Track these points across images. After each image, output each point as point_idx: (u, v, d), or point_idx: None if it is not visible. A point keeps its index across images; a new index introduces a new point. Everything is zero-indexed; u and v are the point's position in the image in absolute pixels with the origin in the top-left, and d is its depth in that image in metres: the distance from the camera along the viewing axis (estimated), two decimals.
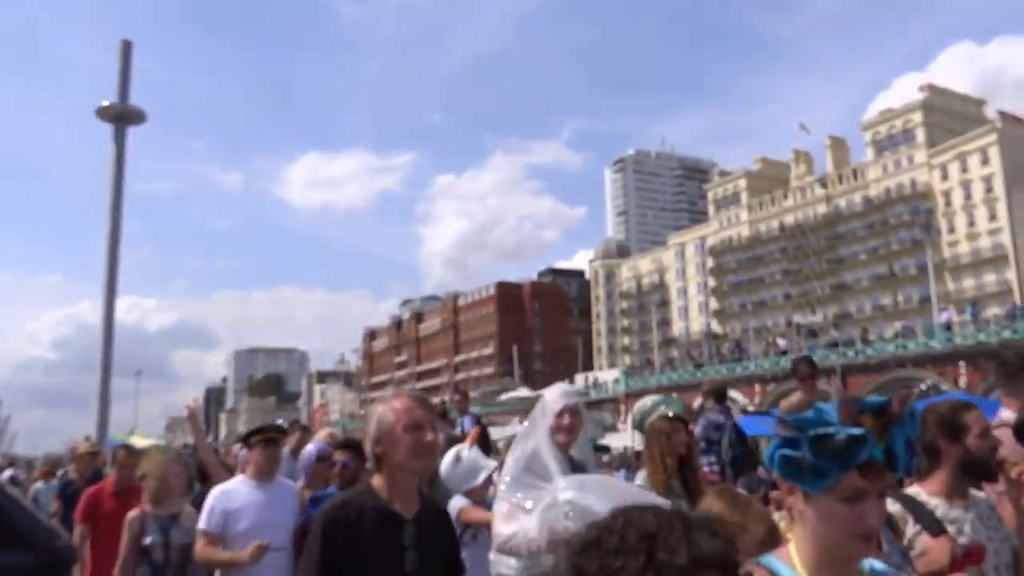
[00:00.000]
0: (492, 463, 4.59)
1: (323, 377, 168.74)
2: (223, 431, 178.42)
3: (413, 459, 2.44)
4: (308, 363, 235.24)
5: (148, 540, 4.90)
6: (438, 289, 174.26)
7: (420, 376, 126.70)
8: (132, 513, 5.05)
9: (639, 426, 4.34)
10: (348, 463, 4.57)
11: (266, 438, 4.40)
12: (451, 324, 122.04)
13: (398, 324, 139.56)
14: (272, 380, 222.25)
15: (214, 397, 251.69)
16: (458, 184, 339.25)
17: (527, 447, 3.57)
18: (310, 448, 5.49)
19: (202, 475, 7.27)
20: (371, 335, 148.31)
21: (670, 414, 4.13)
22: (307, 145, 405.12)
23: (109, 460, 7.68)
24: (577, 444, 3.67)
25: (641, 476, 4.16)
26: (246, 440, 4.44)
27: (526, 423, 3.90)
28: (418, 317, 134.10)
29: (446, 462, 4.60)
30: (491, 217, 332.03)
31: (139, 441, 7.56)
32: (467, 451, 4.74)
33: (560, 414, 3.59)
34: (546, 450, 3.52)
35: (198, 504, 4.96)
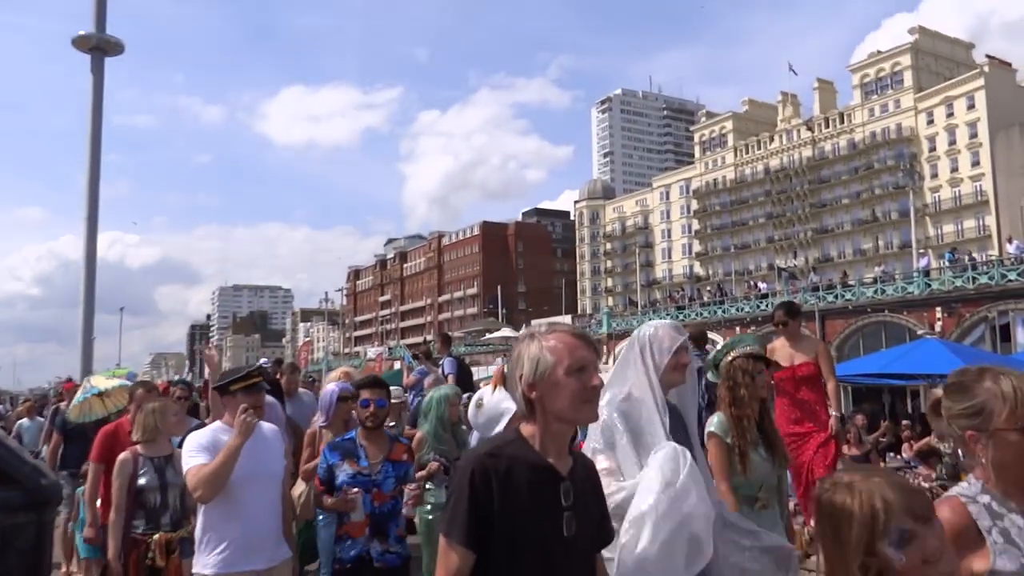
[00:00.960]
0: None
1: (307, 315, 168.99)
2: (207, 368, 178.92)
3: (577, 408, 2.09)
4: (292, 301, 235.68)
5: (143, 481, 4.62)
6: (422, 228, 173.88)
7: (404, 315, 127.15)
8: (123, 455, 4.73)
9: (716, 364, 4.15)
10: (383, 402, 4.28)
11: (248, 385, 3.90)
12: (435, 264, 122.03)
13: (382, 263, 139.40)
14: (256, 317, 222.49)
15: (198, 334, 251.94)
16: (443, 121, 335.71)
17: (623, 391, 3.20)
18: (331, 387, 5.31)
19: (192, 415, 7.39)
20: (355, 274, 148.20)
21: (751, 352, 3.94)
22: (290, 79, 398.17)
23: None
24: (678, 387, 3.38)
25: (717, 419, 3.89)
26: (226, 388, 3.90)
27: (615, 362, 3.44)
28: (402, 256, 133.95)
29: (471, 410, 4.50)
30: (476, 156, 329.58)
31: (102, 382, 7.28)
32: (490, 393, 4.45)
33: (677, 351, 3.30)
34: (651, 401, 3.17)
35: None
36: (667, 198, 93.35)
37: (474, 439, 5.57)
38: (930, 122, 67.17)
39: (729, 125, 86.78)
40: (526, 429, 2.14)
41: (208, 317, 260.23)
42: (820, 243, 76.12)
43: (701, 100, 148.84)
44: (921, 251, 48.78)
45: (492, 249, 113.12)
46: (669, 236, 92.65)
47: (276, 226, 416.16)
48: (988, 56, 68.47)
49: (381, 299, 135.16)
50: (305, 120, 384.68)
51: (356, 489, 3.99)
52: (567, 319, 74.02)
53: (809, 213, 76.91)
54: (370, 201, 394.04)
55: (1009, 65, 67.72)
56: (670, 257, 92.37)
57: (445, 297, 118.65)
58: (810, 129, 77.90)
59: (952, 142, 65.31)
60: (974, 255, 50.80)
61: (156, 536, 4.53)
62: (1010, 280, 33.71)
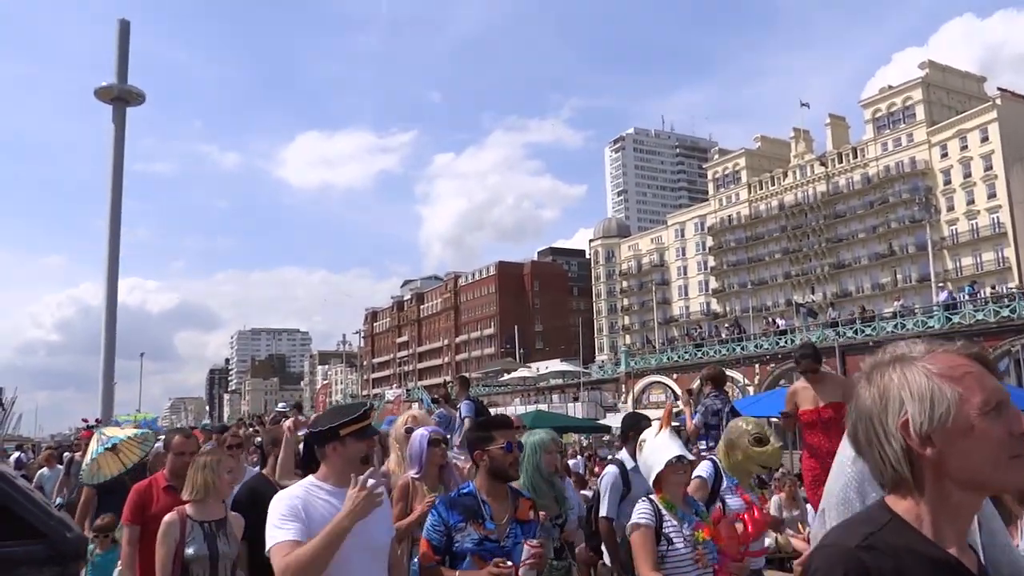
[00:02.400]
0: (680, 451, 3.82)
1: (325, 358, 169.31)
2: (227, 412, 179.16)
3: (1005, 467, 1.31)
4: (310, 344, 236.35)
5: (191, 551, 4.00)
6: (438, 269, 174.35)
7: (421, 356, 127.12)
8: (170, 517, 4.13)
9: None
10: (510, 446, 3.51)
11: (363, 427, 3.04)
12: (452, 304, 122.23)
13: (399, 304, 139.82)
14: (275, 361, 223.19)
15: (217, 378, 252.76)
16: (457, 163, 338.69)
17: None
18: (421, 432, 4.60)
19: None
20: (372, 316, 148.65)
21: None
22: (305, 124, 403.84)
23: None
24: None
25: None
26: (333, 432, 2.97)
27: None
28: (419, 297, 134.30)
29: (638, 451, 4.09)
30: (490, 196, 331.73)
31: (116, 431, 6.84)
32: (653, 435, 3.91)
33: None
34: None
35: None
36: (682, 235, 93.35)
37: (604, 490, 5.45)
38: (944, 155, 67.06)
39: (742, 162, 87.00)
40: (901, 504, 1.38)
41: (227, 361, 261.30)
42: (837, 278, 75.67)
43: (714, 137, 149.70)
44: (940, 284, 48.41)
45: (508, 289, 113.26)
46: (685, 273, 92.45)
47: (293, 269, 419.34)
48: (1000, 89, 68.53)
49: (398, 340, 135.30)
50: (321, 165, 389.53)
51: (509, 564, 3.20)
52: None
53: (825, 248, 76.60)
54: (386, 243, 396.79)
55: (1022, 97, 67.69)
56: (687, 294, 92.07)
57: (462, 337, 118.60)
58: (823, 164, 77.94)
59: (967, 175, 65.10)
60: (995, 287, 50.33)
61: None
62: None
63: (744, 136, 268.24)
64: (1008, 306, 35.24)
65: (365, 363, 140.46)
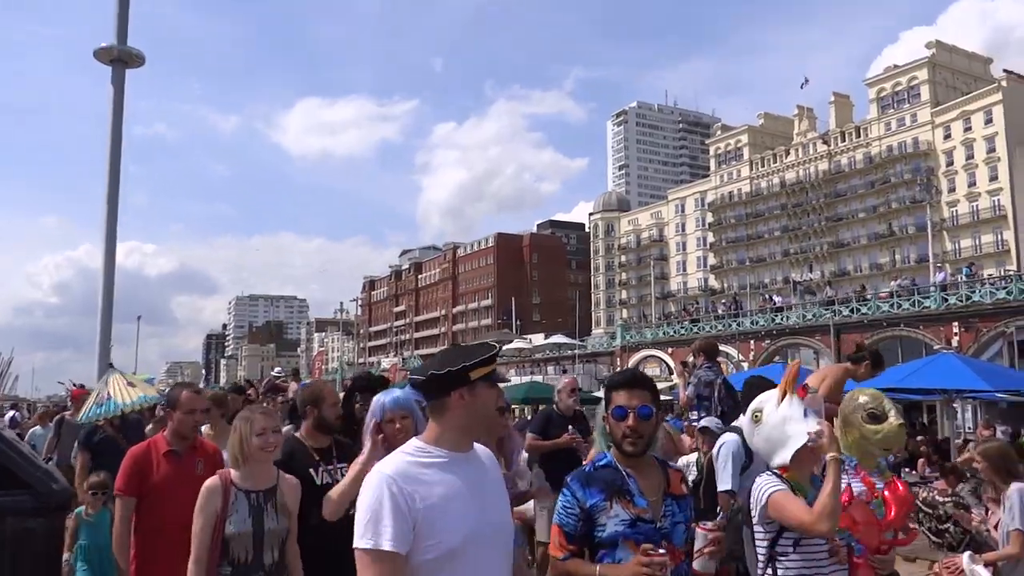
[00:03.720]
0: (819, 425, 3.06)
1: (322, 325, 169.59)
2: (223, 377, 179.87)
3: None
4: (307, 311, 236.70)
5: (232, 528, 3.36)
6: (436, 239, 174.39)
7: (418, 326, 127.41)
8: (211, 483, 3.45)
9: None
10: (647, 409, 2.80)
11: (491, 371, 2.34)
12: (450, 275, 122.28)
13: (397, 274, 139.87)
14: (272, 327, 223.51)
15: (214, 343, 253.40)
16: (458, 133, 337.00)
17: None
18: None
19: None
20: (370, 284, 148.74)
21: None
22: (306, 90, 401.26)
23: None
24: None
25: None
26: (461, 375, 2.25)
27: None
28: (417, 267, 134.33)
29: (745, 423, 3.30)
30: (491, 167, 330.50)
31: (122, 394, 6.19)
32: (775, 405, 3.15)
33: None
34: None
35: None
36: (682, 211, 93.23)
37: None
38: (947, 136, 66.82)
39: (745, 138, 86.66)
40: None
41: (224, 327, 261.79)
42: (836, 257, 75.71)
43: (716, 113, 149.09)
44: (938, 265, 48.45)
45: (507, 260, 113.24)
46: (684, 249, 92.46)
47: (291, 236, 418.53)
48: (1006, 71, 68.12)
49: (396, 310, 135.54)
50: (321, 131, 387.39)
51: (662, 551, 2.59)
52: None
53: (825, 227, 76.57)
54: (385, 212, 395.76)
55: None
56: (685, 270, 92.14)
57: (459, 308, 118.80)
58: (826, 143, 77.66)
59: (970, 156, 64.93)
60: (992, 270, 50.41)
61: None
62: None
63: (748, 113, 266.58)
64: (1004, 288, 35.36)
65: (362, 332, 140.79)
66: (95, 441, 6.43)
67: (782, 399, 3.14)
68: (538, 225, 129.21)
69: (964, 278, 40.41)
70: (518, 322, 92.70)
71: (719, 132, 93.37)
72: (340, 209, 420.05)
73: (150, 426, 7.06)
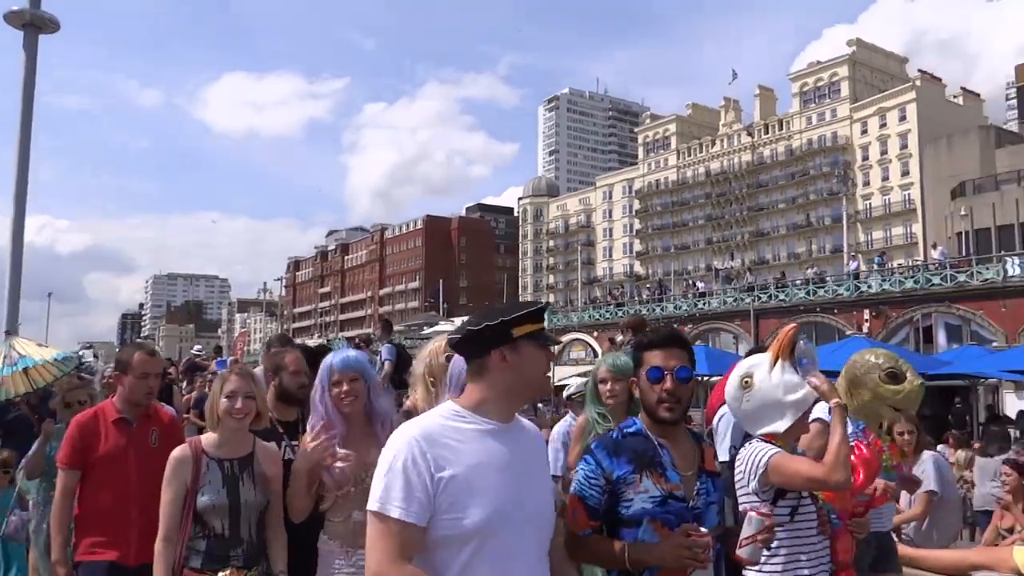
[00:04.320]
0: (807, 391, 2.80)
1: (244, 306, 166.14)
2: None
3: None
4: (229, 291, 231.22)
5: (205, 498, 3.09)
6: (364, 221, 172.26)
7: (344, 308, 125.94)
8: (180, 452, 3.18)
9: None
10: (686, 371, 2.54)
11: (542, 329, 2.12)
12: (377, 257, 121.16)
13: (323, 255, 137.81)
14: (191, 307, 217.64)
15: (130, 323, 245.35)
16: (388, 114, 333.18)
17: None
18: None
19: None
20: (295, 265, 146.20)
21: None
22: (232, 64, 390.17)
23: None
24: None
25: None
26: (497, 333, 2.02)
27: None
28: (344, 248, 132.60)
29: (730, 388, 2.91)
30: (421, 150, 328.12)
31: (33, 350, 5.75)
32: (766, 369, 2.86)
33: None
34: None
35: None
36: (610, 197, 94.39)
37: (723, 429, 4.24)
38: (864, 132, 69.32)
39: (673, 128, 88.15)
40: None
41: (141, 306, 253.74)
42: (756, 246, 77.90)
43: (646, 102, 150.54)
44: (852, 255, 50.35)
45: (435, 243, 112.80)
46: (611, 235, 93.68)
47: (214, 215, 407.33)
48: (920, 71, 70.99)
49: (321, 291, 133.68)
50: (247, 108, 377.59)
51: (704, 530, 2.33)
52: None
53: (747, 216, 78.64)
54: (312, 192, 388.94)
55: (939, 80, 70.32)
56: (611, 256, 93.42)
57: (386, 290, 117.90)
58: (750, 134, 79.65)
59: (884, 152, 67.54)
60: (901, 261, 52.67)
61: (225, 572, 3.07)
62: (934, 284, 35.09)
63: (676, 103, 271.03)
64: (912, 277, 37.02)
65: (286, 313, 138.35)
66: (8, 419, 6.17)
67: (774, 365, 2.86)
68: (467, 208, 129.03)
69: (876, 267, 42.13)
70: (445, 305, 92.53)
71: (648, 121, 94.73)
72: (266, 189, 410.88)
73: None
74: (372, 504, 1.93)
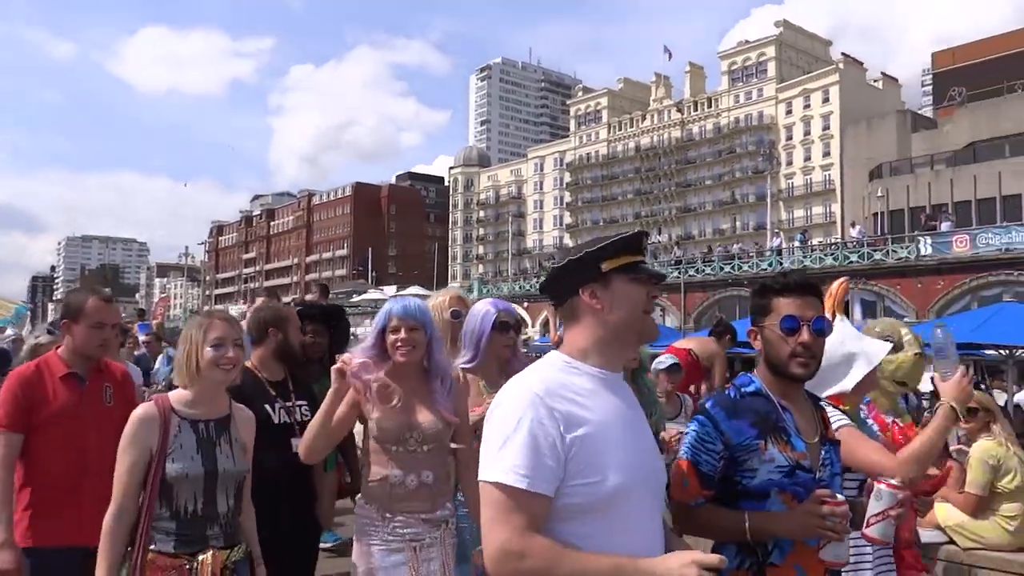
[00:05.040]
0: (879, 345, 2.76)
1: (164, 271, 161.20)
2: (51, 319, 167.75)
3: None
4: (148, 255, 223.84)
5: (177, 466, 2.58)
6: (290, 186, 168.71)
7: (269, 274, 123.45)
8: (144, 411, 2.66)
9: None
10: (822, 323, 2.23)
11: (635, 262, 1.82)
12: (304, 223, 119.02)
13: (248, 220, 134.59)
14: (107, 271, 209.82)
15: (41, 286, 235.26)
16: (317, 76, 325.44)
17: None
18: (483, 309, 3.37)
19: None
20: (218, 229, 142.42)
21: None
22: (151, 18, 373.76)
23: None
24: None
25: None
26: (586, 267, 1.78)
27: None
28: (270, 214, 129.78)
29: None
30: (350, 115, 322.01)
31: None
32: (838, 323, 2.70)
33: None
34: None
35: None
36: (541, 169, 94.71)
37: None
38: (788, 112, 71.17)
39: (604, 102, 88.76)
40: None
41: (53, 269, 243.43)
42: (683, 221, 79.45)
43: (578, 75, 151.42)
44: (776, 232, 51.90)
45: (364, 211, 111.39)
46: (541, 207, 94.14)
47: (132, 175, 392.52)
48: (844, 54, 73.14)
49: (245, 256, 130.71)
50: (168, 64, 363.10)
51: (841, 497, 2.07)
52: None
53: (675, 192, 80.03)
54: (235, 155, 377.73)
55: (861, 64, 72.60)
56: (541, 228, 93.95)
57: (313, 257, 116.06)
58: (680, 111, 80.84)
59: (807, 133, 69.54)
60: (820, 239, 54.53)
61: (205, 556, 2.58)
62: (851, 262, 36.54)
63: (608, 77, 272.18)
64: (831, 254, 38.44)
65: (208, 278, 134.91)
66: None
67: (833, 319, 2.57)
68: (397, 176, 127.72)
69: (798, 244, 43.60)
70: (374, 273, 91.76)
71: (580, 94, 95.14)
72: (187, 149, 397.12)
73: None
74: (490, 473, 1.63)
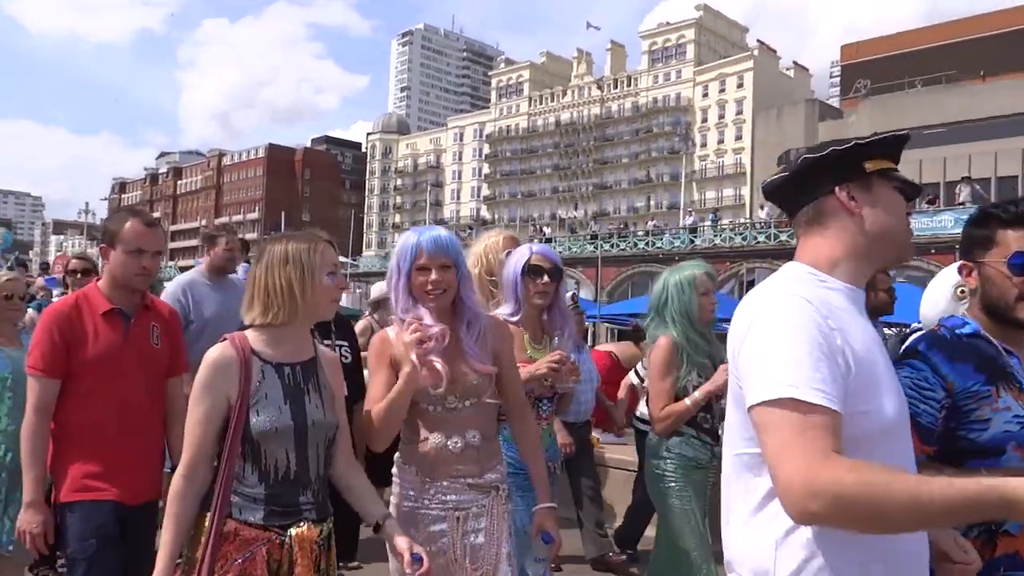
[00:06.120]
0: None
1: (61, 227, 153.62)
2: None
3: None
4: (43, 210, 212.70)
5: (262, 418, 2.14)
6: (200, 145, 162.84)
7: (175, 236, 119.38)
8: (220, 351, 2.19)
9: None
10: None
11: (896, 168, 1.63)
12: (214, 184, 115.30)
13: (153, 178, 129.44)
14: None
15: None
16: (231, 31, 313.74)
17: None
18: (520, 252, 3.09)
19: None
20: (121, 187, 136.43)
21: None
22: None
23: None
24: None
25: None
26: (848, 160, 1.53)
27: None
28: (177, 172, 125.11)
29: (940, 301, 2.51)
30: (265, 74, 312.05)
31: None
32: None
33: None
34: None
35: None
36: (461, 140, 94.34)
37: None
38: (705, 95, 72.93)
39: (526, 75, 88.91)
40: None
41: None
42: (599, 198, 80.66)
43: (501, 47, 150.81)
44: (689, 211, 53.36)
45: (277, 174, 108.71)
46: (459, 178, 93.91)
47: (28, 124, 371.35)
48: (759, 41, 75.29)
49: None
50: (68, 8, 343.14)
51: None
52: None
53: (592, 168, 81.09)
54: (140, 109, 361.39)
55: (775, 52, 74.91)
56: (459, 198, 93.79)
57: (223, 220, 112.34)
58: (600, 88, 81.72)
59: (721, 116, 71.47)
60: (728, 220, 56.37)
61: (300, 530, 2.14)
62: (759, 242, 38.04)
63: (531, 50, 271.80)
64: (741, 234, 39.90)
65: None
66: None
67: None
68: (313, 140, 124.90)
69: (710, 223, 45.03)
70: None
71: (502, 65, 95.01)
72: (89, 100, 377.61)
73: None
74: (776, 390, 1.34)
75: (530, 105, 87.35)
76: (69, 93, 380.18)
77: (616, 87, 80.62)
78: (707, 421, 3.48)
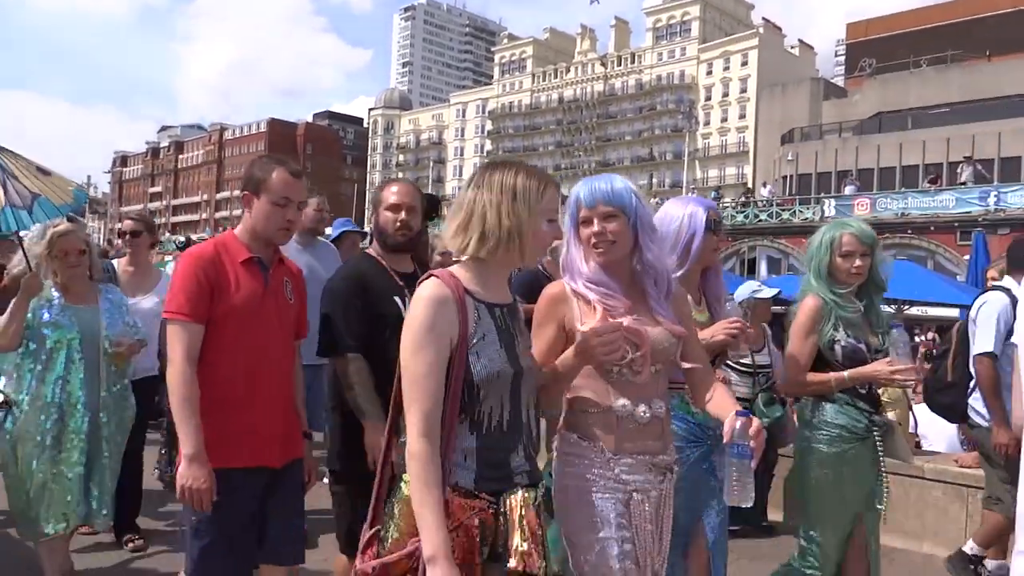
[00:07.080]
0: None
1: None
2: None
3: None
4: None
5: (485, 363, 1.89)
6: (200, 119, 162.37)
7: (176, 210, 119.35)
8: (438, 290, 1.89)
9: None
10: None
11: None
12: (215, 158, 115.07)
13: (155, 151, 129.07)
14: None
15: None
16: (230, 4, 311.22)
17: None
18: (693, 206, 2.86)
19: None
20: (122, 160, 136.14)
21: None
22: None
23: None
24: None
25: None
26: None
27: None
28: (178, 146, 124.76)
29: None
30: (267, 48, 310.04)
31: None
32: None
33: None
34: None
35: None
36: (463, 116, 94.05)
37: None
38: (709, 73, 72.61)
39: (529, 51, 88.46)
40: None
41: None
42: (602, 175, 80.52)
43: (504, 22, 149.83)
44: (692, 190, 53.37)
45: (278, 148, 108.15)
46: (461, 154, 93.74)
47: (26, 95, 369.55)
48: (764, 19, 74.82)
49: (151, 190, 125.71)
50: None
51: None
52: None
53: (595, 146, 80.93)
54: (139, 82, 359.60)
55: (780, 30, 74.49)
56: (461, 174, 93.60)
57: (224, 194, 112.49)
58: (604, 65, 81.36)
59: (725, 94, 71.21)
60: (731, 199, 56.42)
61: (514, 497, 1.90)
62: (761, 220, 38.13)
63: (534, 25, 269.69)
64: (743, 212, 39.95)
65: (111, 211, 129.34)
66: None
67: None
68: (315, 115, 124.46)
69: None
70: None
71: (505, 41, 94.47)
72: (88, 72, 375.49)
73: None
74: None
75: (533, 81, 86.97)
76: (69, 65, 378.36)
77: (620, 64, 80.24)
78: (864, 386, 3.16)
